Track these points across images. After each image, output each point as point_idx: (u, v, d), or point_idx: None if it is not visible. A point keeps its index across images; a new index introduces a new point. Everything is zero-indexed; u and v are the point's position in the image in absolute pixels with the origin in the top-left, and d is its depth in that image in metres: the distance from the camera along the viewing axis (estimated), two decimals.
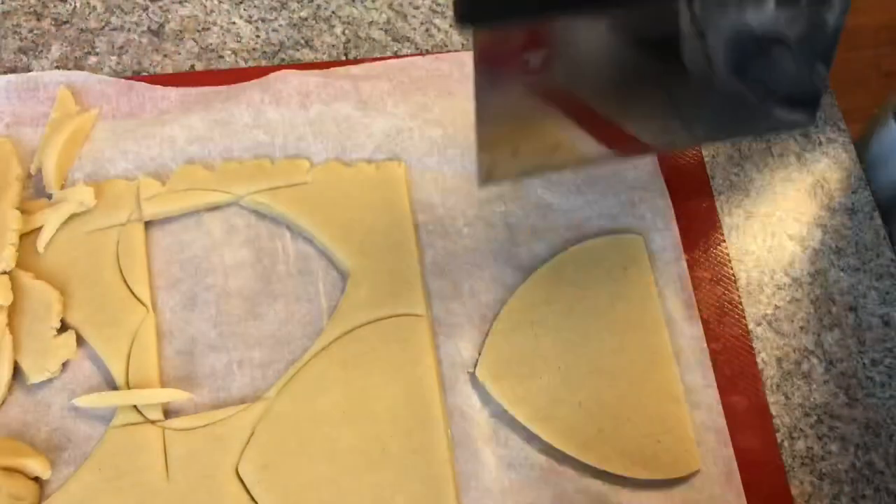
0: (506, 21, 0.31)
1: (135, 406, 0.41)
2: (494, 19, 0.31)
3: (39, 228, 0.44)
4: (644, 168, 0.50)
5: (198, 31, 0.52)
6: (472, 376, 0.45)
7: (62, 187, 0.45)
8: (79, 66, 0.50)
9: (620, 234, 0.48)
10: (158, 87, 0.49)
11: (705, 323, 0.47)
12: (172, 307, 0.44)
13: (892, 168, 0.55)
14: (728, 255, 0.49)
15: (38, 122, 0.47)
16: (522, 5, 0.31)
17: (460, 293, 0.46)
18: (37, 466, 0.40)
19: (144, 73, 0.50)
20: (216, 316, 0.44)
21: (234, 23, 0.53)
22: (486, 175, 0.42)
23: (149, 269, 0.45)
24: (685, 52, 0.39)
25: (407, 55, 0.52)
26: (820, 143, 0.54)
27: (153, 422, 0.41)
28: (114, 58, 0.51)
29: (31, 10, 0.51)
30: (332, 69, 0.50)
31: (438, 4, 0.55)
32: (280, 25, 0.53)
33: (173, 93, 0.49)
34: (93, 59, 0.51)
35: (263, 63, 0.52)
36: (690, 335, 0.47)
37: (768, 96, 0.44)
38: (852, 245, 0.51)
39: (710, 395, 0.46)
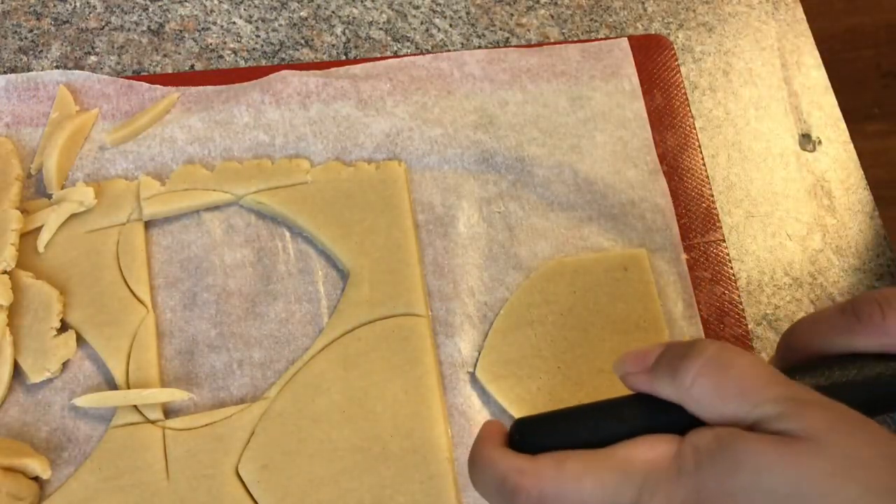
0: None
1: (135, 406, 0.41)
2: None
3: (39, 228, 0.44)
4: (644, 167, 0.50)
5: (198, 30, 0.52)
6: (472, 376, 0.45)
7: (62, 187, 0.45)
8: (79, 66, 0.50)
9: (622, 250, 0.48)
10: (158, 86, 0.49)
11: (705, 323, 0.47)
12: (172, 307, 0.44)
13: None
14: (728, 255, 0.49)
15: (38, 121, 0.47)
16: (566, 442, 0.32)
17: (460, 293, 0.46)
18: (37, 466, 0.39)
19: (144, 73, 0.50)
20: (216, 316, 0.44)
21: (234, 23, 0.53)
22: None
23: (149, 268, 0.45)
24: None
25: (407, 55, 0.52)
26: (820, 143, 0.54)
27: (153, 422, 0.41)
28: (114, 58, 0.51)
29: (31, 9, 0.51)
30: (332, 69, 0.50)
31: (438, 4, 0.55)
32: (280, 25, 0.53)
33: (173, 93, 0.49)
34: (93, 59, 0.51)
35: (263, 63, 0.52)
36: (690, 335, 0.47)
37: None
38: (852, 245, 0.51)
39: None
